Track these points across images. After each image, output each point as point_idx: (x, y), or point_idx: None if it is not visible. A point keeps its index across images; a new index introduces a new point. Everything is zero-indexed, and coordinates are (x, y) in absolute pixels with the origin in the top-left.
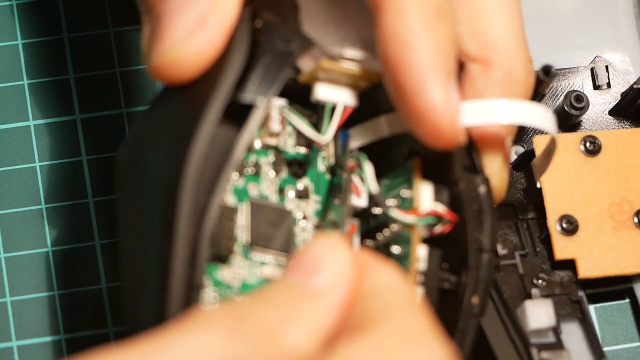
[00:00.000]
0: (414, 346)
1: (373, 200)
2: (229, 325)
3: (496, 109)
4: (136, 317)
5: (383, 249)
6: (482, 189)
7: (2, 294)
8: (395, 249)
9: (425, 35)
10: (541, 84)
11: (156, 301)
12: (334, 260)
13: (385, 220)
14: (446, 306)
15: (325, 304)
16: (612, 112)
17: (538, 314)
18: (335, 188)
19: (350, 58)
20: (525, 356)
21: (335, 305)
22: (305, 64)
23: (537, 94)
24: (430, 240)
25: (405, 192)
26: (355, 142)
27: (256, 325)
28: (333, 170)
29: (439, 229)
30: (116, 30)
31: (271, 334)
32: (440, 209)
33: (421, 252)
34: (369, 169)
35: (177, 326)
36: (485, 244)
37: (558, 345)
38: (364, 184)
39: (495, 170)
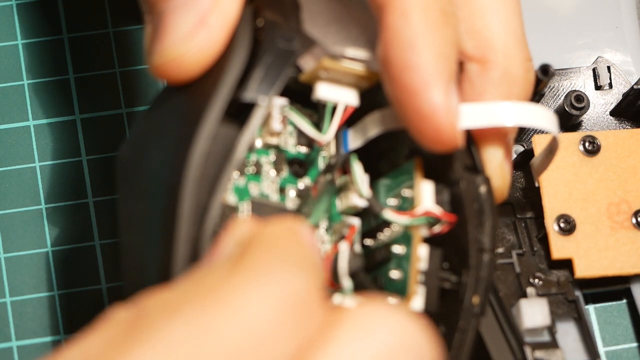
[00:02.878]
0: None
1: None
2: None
3: (499, 112)
4: None
5: (384, 249)
6: (482, 189)
7: (2, 294)
8: (396, 249)
9: (429, 38)
10: (540, 83)
11: None
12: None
13: (385, 220)
14: (447, 306)
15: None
16: (613, 113)
17: (533, 312)
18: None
19: (352, 57)
20: (519, 354)
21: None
22: (307, 63)
23: (536, 94)
24: (431, 240)
25: (406, 192)
26: (351, 145)
27: None
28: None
29: (437, 228)
30: (116, 30)
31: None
32: (436, 210)
33: (422, 252)
34: (358, 171)
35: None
36: (486, 244)
37: (552, 345)
38: (356, 186)
39: (497, 170)
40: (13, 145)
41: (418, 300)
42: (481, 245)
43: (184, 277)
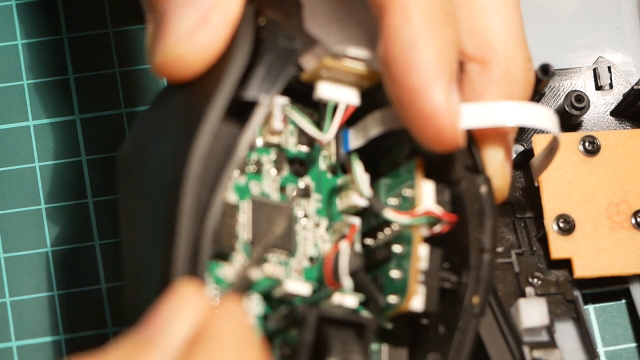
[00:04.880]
0: None
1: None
2: None
3: (500, 111)
4: (138, 315)
5: (384, 248)
6: (483, 189)
7: (1, 294)
8: (397, 248)
9: (430, 37)
10: (540, 83)
11: (158, 299)
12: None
13: (386, 220)
14: (447, 306)
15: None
16: (613, 113)
17: (532, 312)
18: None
19: (354, 57)
20: (517, 354)
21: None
22: (308, 62)
23: (537, 93)
24: (432, 240)
25: (407, 192)
26: (351, 144)
27: None
28: (334, 169)
29: (438, 228)
30: (116, 30)
31: None
32: (437, 209)
33: (422, 252)
34: (359, 170)
35: None
36: (486, 244)
37: (551, 344)
38: (357, 186)
39: (498, 170)
40: (13, 145)
41: (418, 300)
42: (482, 245)
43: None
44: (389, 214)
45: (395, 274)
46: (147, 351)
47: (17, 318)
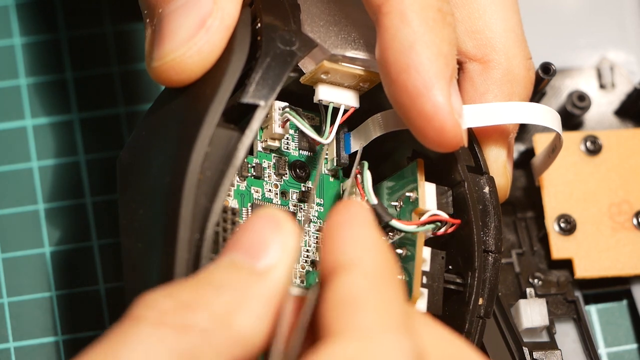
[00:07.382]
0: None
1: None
2: (177, 321)
3: (503, 110)
4: None
5: None
6: (487, 190)
7: None
8: (401, 251)
9: (428, 38)
10: (541, 82)
11: None
12: (280, 239)
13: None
14: (452, 307)
15: (275, 284)
16: (616, 113)
17: (532, 313)
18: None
19: (352, 59)
20: (517, 355)
21: (283, 283)
22: (307, 65)
23: (538, 92)
24: (436, 242)
25: (410, 194)
26: (353, 147)
27: (205, 313)
28: (336, 172)
29: (441, 230)
30: (114, 29)
31: (222, 322)
32: (442, 214)
33: (427, 254)
34: (368, 180)
35: (121, 330)
36: (491, 246)
37: (551, 345)
38: (366, 195)
39: (500, 169)
40: (9, 145)
41: (423, 302)
42: (486, 246)
43: None
44: (396, 224)
45: (400, 276)
46: (256, 283)
47: (15, 319)
